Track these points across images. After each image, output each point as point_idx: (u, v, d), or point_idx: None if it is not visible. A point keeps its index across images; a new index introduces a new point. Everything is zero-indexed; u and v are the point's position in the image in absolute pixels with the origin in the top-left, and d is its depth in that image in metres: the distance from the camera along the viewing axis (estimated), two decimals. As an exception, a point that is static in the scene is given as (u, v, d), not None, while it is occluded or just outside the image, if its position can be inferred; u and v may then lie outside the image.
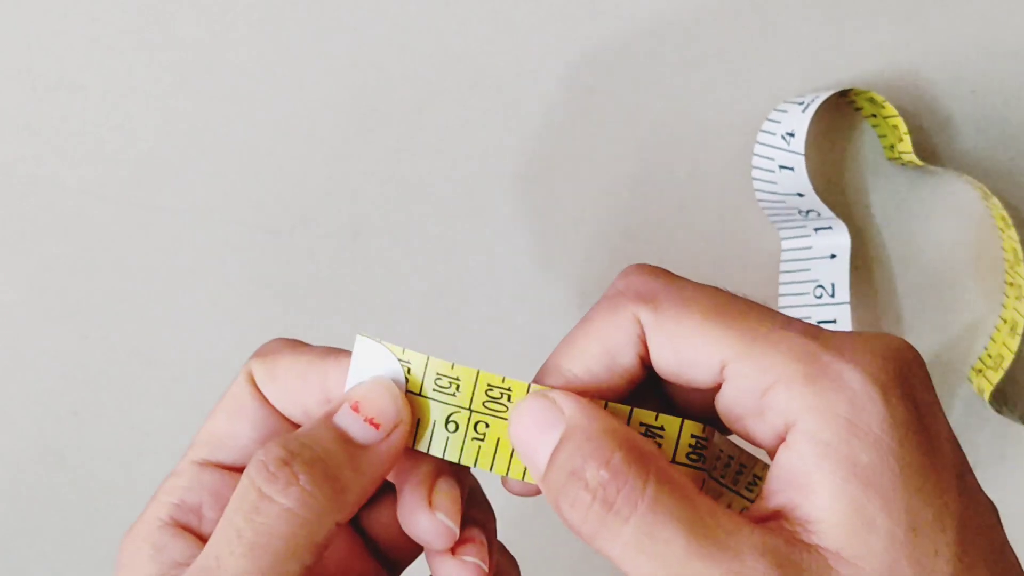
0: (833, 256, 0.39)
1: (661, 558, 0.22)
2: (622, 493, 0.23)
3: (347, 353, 0.27)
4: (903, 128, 0.39)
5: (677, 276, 0.26)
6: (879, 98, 0.39)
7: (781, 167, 0.39)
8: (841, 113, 0.41)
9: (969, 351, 0.41)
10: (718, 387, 0.25)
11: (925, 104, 0.41)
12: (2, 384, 0.41)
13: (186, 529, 0.27)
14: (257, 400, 0.28)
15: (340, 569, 0.29)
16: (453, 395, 0.26)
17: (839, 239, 0.39)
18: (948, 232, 0.41)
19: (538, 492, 0.26)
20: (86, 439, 0.42)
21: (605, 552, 0.23)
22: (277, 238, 0.41)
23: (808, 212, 0.39)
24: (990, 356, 0.40)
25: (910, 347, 0.24)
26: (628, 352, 0.25)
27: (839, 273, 0.39)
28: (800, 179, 0.39)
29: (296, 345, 0.29)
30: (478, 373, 0.26)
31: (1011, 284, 0.40)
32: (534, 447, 0.25)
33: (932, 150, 0.41)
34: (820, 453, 0.23)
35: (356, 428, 0.26)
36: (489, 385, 0.26)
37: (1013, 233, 0.40)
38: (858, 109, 0.41)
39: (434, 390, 0.27)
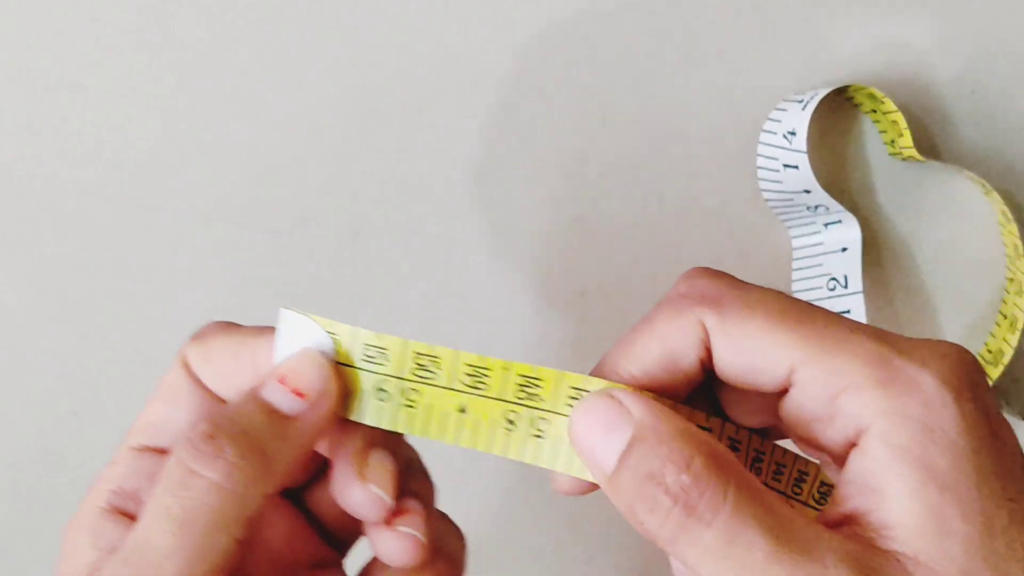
0: (844, 249, 0.39)
1: (742, 563, 0.22)
2: (705, 498, 0.22)
3: (271, 334, 0.27)
4: (903, 123, 0.39)
5: (740, 280, 0.26)
6: (879, 94, 0.39)
7: (785, 166, 0.39)
8: (841, 111, 0.41)
9: (969, 347, 0.41)
10: (782, 392, 0.24)
11: (925, 101, 0.41)
12: (2, 384, 0.41)
13: (124, 515, 0.27)
14: (192, 384, 0.28)
15: (287, 549, 0.29)
16: (382, 364, 0.27)
17: (849, 232, 0.39)
18: (948, 227, 0.41)
19: (586, 490, 0.26)
20: (86, 439, 0.41)
21: (682, 557, 0.23)
22: (277, 238, 0.41)
23: (817, 207, 0.39)
24: (990, 351, 0.40)
25: (969, 352, 0.24)
26: (690, 355, 0.25)
27: (851, 264, 0.39)
28: (805, 176, 0.39)
29: (229, 327, 0.29)
30: (406, 342, 0.27)
31: (1011, 280, 0.40)
32: (599, 448, 0.24)
33: (933, 146, 0.41)
34: (895, 457, 0.22)
35: (282, 400, 0.26)
36: (417, 353, 0.27)
37: (1013, 228, 0.40)
38: (857, 106, 0.41)
39: (363, 360, 0.27)
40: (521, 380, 0.28)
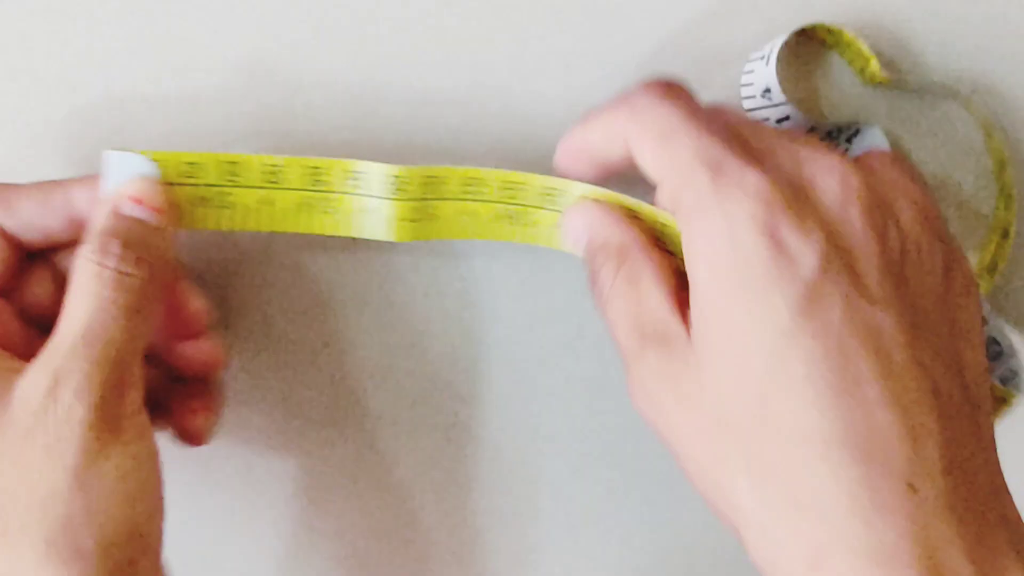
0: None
1: (634, 311, 0.34)
2: (625, 266, 0.34)
3: (82, 178, 0.34)
4: (867, 50, 0.39)
5: (677, 99, 0.33)
6: (834, 27, 0.39)
7: (779, 121, 0.39)
8: (808, 53, 0.41)
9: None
10: None
11: (888, 32, 0.41)
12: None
13: None
14: None
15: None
16: (200, 177, 0.35)
17: (873, 136, 0.39)
18: (933, 147, 0.41)
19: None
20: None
21: (605, 319, 0.35)
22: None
23: (829, 133, 0.39)
24: (982, 264, 0.40)
25: (775, 190, 0.31)
26: (614, 156, 0.34)
27: None
28: (801, 121, 0.39)
29: (16, 184, 0.35)
30: (215, 155, 0.35)
31: (1000, 190, 0.40)
32: (575, 247, 0.36)
33: (900, 72, 0.41)
34: (690, 277, 0.31)
35: (148, 215, 0.34)
36: (227, 162, 0.35)
37: (998, 137, 0.39)
38: (822, 42, 0.41)
39: (184, 177, 0.35)
40: (309, 171, 0.36)
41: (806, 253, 0.30)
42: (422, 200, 0.36)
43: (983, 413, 0.31)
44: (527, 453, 0.42)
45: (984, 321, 0.37)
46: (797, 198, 0.31)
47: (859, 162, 0.36)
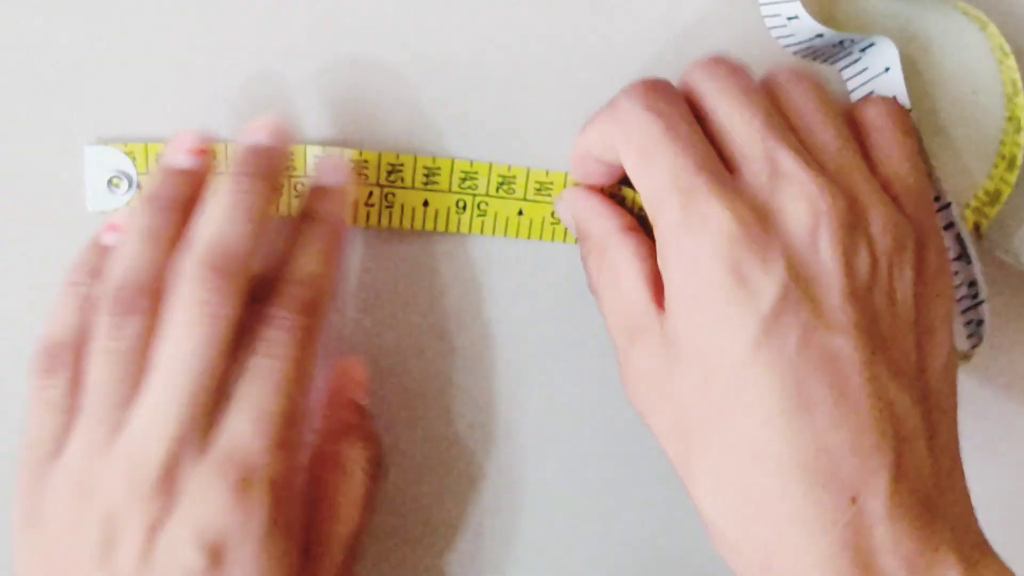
0: (887, 69, 0.38)
1: (619, 291, 0.35)
2: (606, 259, 0.35)
3: None
4: (894, -34, 0.37)
5: (659, 106, 0.33)
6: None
7: (789, 19, 0.37)
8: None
9: (963, 189, 0.41)
10: None
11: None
12: (2, 384, 0.39)
13: None
14: None
15: None
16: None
17: (887, 52, 0.38)
18: (945, 66, 0.41)
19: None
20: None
21: (592, 288, 0.36)
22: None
23: (841, 42, 0.38)
24: (987, 193, 0.41)
25: (735, 222, 0.32)
26: (615, 157, 0.34)
27: (896, 85, 0.38)
28: (809, 23, 0.37)
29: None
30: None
31: (1010, 118, 0.40)
32: (569, 227, 0.38)
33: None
34: (664, 293, 0.33)
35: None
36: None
37: (1011, 63, 0.39)
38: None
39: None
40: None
41: (766, 286, 0.31)
42: (380, 186, 0.37)
43: (944, 415, 0.33)
44: (527, 453, 0.41)
45: (968, 260, 0.38)
46: (763, 228, 0.31)
47: (854, 112, 0.36)
